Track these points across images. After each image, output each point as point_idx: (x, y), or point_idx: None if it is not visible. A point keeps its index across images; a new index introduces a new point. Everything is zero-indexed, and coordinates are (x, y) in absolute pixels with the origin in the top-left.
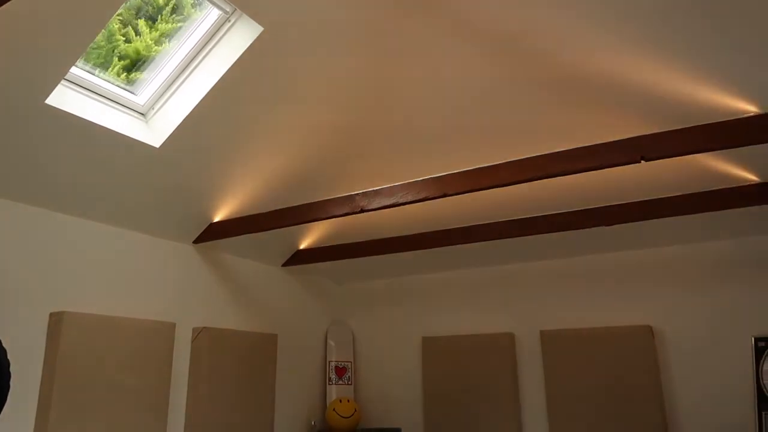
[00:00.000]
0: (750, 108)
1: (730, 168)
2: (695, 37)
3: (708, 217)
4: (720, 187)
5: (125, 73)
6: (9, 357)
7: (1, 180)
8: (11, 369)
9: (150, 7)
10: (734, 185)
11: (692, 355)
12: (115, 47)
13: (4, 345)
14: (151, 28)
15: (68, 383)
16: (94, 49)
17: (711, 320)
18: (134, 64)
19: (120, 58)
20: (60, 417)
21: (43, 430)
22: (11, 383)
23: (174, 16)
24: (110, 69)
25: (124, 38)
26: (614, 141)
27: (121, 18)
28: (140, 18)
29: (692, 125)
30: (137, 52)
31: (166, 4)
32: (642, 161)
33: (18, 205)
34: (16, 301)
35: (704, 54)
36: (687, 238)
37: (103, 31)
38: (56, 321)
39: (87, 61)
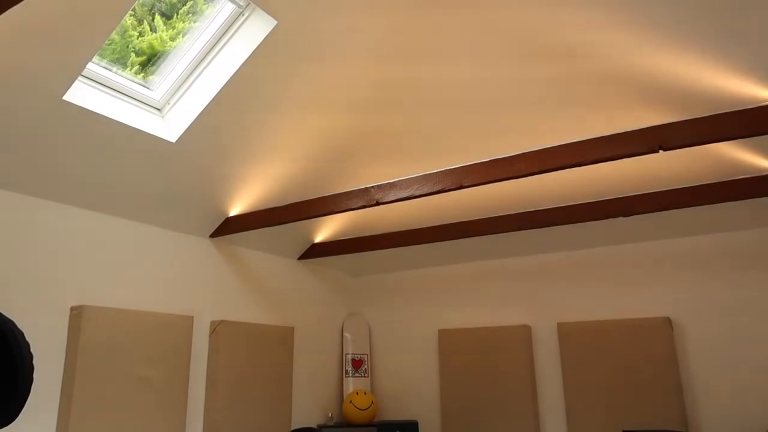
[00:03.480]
0: None
1: (751, 157)
2: (715, 24)
3: (727, 207)
4: (740, 177)
5: (142, 70)
6: (31, 350)
7: (20, 175)
8: (33, 362)
9: (164, 4)
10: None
11: (712, 347)
12: (129, 43)
13: (26, 338)
14: (166, 24)
15: (89, 376)
16: (109, 45)
17: (731, 312)
18: (150, 60)
19: (136, 55)
20: (81, 409)
21: (65, 422)
22: (34, 376)
23: (190, 15)
24: (127, 66)
25: (138, 34)
26: (632, 131)
27: (134, 14)
28: (155, 14)
29: (711, 114)
30: (152, 48)
31: (182, 4)
32: (660, 151)
33: (36, 200)
34: (37, 295)
35: (723, 41)
36: (706, 228)
37: (117, 27)
38: (76, 315)
39: (103, 57)
